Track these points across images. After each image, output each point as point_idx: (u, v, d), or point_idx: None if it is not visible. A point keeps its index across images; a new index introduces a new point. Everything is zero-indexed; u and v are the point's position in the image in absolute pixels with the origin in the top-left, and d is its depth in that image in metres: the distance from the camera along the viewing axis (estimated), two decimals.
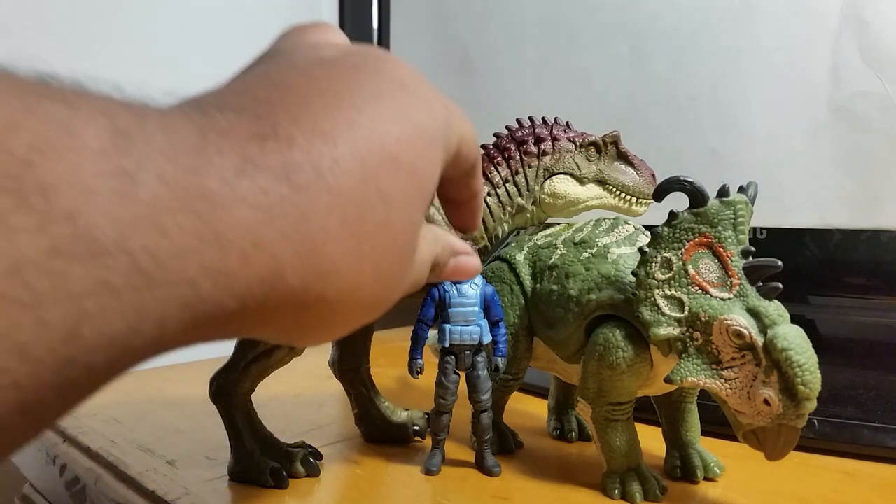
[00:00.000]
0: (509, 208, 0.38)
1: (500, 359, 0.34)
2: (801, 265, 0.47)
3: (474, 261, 0.27)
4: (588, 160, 0.38)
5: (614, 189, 0.38)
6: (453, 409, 0.36)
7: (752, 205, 0.29)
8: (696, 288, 0.28)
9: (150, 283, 0.14)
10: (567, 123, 0.39)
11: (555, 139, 0.38)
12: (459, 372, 0.35)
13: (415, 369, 0.34)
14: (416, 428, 0.40)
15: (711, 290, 0.28)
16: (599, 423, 0.32)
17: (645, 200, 0.38)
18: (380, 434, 0.40)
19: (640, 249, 0.30)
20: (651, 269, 0.29)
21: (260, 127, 0.17)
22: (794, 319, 0.27)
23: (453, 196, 0.27)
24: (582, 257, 0.34)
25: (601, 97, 0.59)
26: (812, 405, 0.26)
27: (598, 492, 0.32)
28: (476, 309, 0.34)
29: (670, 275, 0.29)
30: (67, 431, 0.41)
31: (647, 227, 0.33)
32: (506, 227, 0.38)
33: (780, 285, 0.27)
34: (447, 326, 0.34)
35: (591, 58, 0.60)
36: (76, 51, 0.65)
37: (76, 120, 0.13)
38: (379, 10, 0.83)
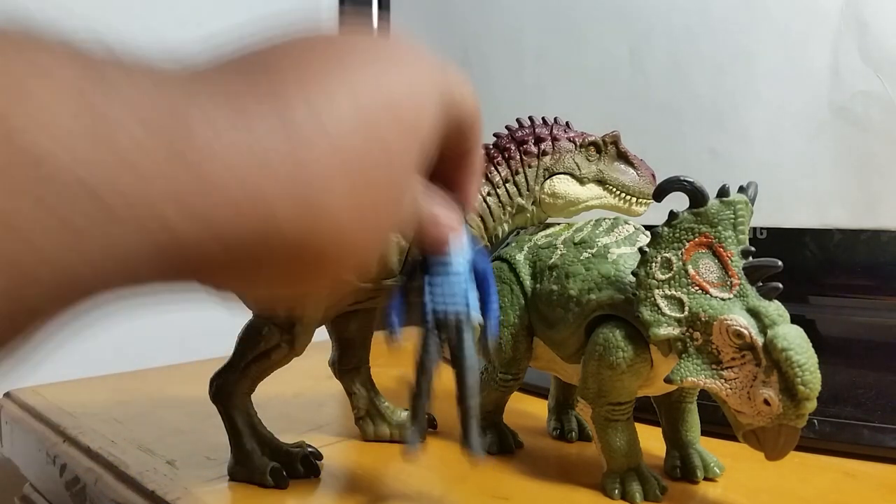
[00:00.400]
0: (509, 208, 0.38)
1: (489, 339, 0.32)
2: (801, 265, 0.47)
3: (444, 232, 0.26)
4: (588, 160, 0.38)
5: (614, 189, 0.38)
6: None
7: (752, 205, 0.29)
8: (696, 288, 0.28)
9: (112, 217, 0.14)
10: (567, 123, 0.39)
11: (555, 139, 0.38)
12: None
13: (393, 337, 0.32)
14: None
15: (711, 290, 0.28)
16: (599, 423, 0.32)
17: (645, 200, 0.38)
18: (380, 434, 0.40)
19: (640, 249, 0.30)
20: (651, 269, 0.29)
21: (252, 85, 0.17)
22: (794, 319, 0.27)
23: (450, 155, 0.25)
24: (582, 257, 0.34)
25: (601, 97, 0.59)
26: (812, 405, 0.26)
27: (598, 492, 0.32)
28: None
29: (670, 275, 0.29)
30: (67, 431, 0.41)
31: (647, 227, 0.33)
32: (506, 227, 0.38)
33: (780, 285, 0.27)
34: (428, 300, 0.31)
35: (590, 58, 0.60)
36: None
37: (53, 62, 0.13)
38: (379, 10, 0.83)
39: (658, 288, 0.29)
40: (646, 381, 0.32)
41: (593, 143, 0.38)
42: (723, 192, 0.28)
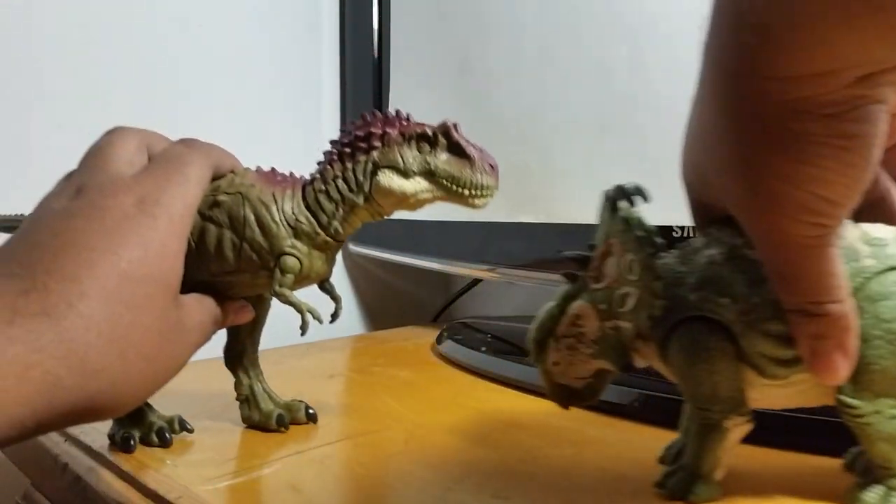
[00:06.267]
0: (341, 205, 0.37)
1: None
2: None
3: (248, 308, 0.38)
4: (419, 152, 0.37)
5: (444, 181, 0.36)
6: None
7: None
8: None
9: None
10: (408, 117, 0.38)
11: (385, 133, 0.37)
12: None
13: None
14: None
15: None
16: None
17: (481, 193, 0.36)
18: (249, 420, 0.42)
19: None
20: None
21: (24, 284, 0.25)
22: None
23: None
24: None
25: (600, 97, 0.59)
26: None
27: (598, 491, 0.32)
28: None
29: None
30: (69, 431, 0.42)
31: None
32: (341, 224, 0.37)
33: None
34: None
35: (589, 58, 0.60)
36: (75, 48, 0.65)
37: None
38: (379, 10, 0.83)
39: None
40: None
41: (421, 135, 0.37)
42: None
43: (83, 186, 0.30)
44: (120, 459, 0.37)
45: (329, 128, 0.88)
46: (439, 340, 0.68)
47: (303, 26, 0.84)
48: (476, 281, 0.86)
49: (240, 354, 0.42)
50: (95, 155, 0.32)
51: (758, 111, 0.22)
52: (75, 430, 0.41)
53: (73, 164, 0.32)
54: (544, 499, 0.32)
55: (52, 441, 0.42)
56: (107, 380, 0.25)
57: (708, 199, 0.28)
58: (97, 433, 0.41)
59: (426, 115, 0.37)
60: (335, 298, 0.41)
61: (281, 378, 0.45)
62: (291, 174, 0.39)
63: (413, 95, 0.77)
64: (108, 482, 0.36)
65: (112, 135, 0.33)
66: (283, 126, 0.83)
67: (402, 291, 0.97)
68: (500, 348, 0.61)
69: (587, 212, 0.45)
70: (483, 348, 0.60)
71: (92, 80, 0.66)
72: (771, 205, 0.23)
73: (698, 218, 0.30)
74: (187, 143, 0.35)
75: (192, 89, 0.74)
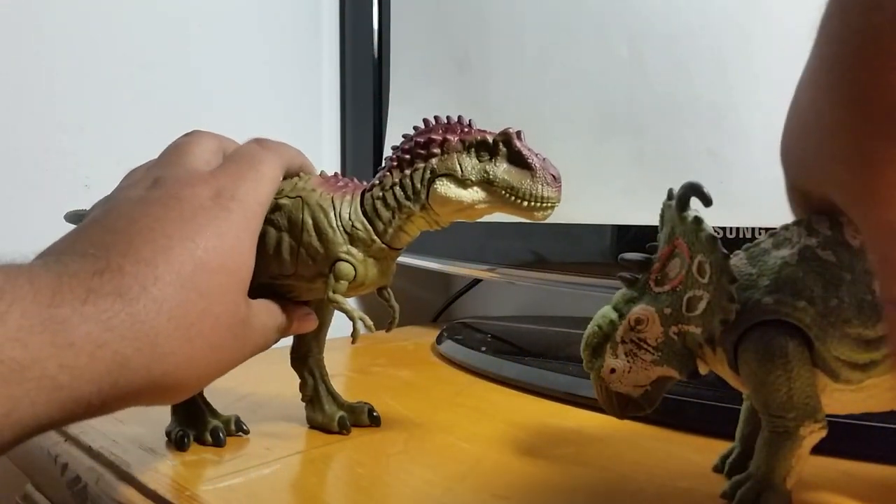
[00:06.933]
0: (398, 212, 0.36)
1: None
2: None
3: (312, 317, 0.38)
4: (478, 160, 0.35)
5: (503, 191, 0.35)
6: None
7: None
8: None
9: (20, 379, 0.21)
10: (470, 123, 0.37)
11: (445, 140, 0.36)
12: None
13: None
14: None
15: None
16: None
17: (540, 204, 0.35)
18: (312, 421, 0.43)
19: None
20: None
21: (98, 265, 0.25)
22: None
23: None
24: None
25: (599, 98, 0.59)
26: None
27: (598, 491, 0.32)
28: None
29: None
30: (69, 430, 0.42)
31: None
32: (394, 231, 0.37)
33: None
34: None
35: (589, 58, 0.60)
36: (76, 48, 0.65)
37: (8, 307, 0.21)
38: (379, 10, 0.83)
39: None
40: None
41: (481, 143, 0.35)
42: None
43: (161, 178, 0.30)
44: (120, 459, 0.37)
45: (329, 128, 0.88)
46: (439, 340, 0.68)
47: (303, 26, 0.84)
48: (476, 281, 0.86)
49: (305, 356, 0.43)
50: (174, 152, 0.33)
51: (883, 103, 0.20)
52: (75, 430, 0.41)
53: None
54: (544, 499, 0.32)
55: (52, 441, 0.42)
56: (172, 364, 0.26)
57: (808, 187, 0.27)
58: (97, 433, 0.41)
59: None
60: (392, 307, 0.40)
61: (282, 378, 0.45)
62: (353, 180, 0.39)
63: (413, 95, 0.77)
64: (108, 482, 0.36)
65: (191, 135, 0.34)
66: (283, 126, 0.83)
67: (403, 291, 0.97)
68: (500, 348, 0.62)
69: (586, 212, 0.45)
70: (483, 348, 0.60)
71: (92, 81, 0.66)
72: (890, 196, 0.21)
73: (795, 203, 0.29)
74: (261, 142, 0.35)
75: (191, 90, 0.74)
